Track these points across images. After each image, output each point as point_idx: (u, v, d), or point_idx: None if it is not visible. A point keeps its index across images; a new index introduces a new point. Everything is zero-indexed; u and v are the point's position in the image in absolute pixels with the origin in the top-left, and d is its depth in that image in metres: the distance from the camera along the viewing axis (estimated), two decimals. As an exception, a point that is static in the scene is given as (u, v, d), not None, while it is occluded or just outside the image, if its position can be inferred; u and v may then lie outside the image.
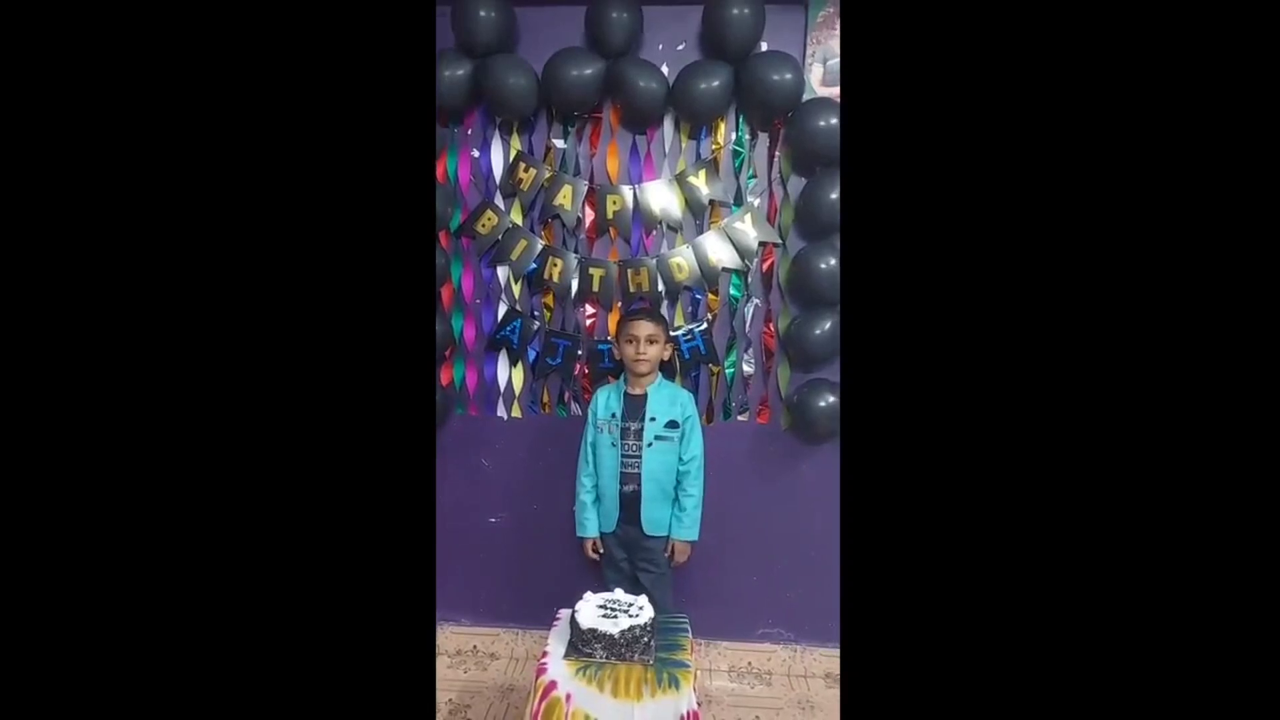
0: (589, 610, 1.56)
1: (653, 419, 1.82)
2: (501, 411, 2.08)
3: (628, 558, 1.87)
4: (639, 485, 1.82)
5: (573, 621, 1.53)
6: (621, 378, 1.90)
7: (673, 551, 1.86)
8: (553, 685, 1.45)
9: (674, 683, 1.43)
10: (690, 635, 1.64)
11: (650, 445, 1.82)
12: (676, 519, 1.85)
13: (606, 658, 1.48)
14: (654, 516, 1.84)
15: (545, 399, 2.07)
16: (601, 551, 1.88)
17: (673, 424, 1.84)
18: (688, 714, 1.42)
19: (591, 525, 1.86)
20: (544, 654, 1.52)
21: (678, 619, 1.68)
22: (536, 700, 1.44)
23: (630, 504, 1.83)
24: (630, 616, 1.54)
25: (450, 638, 2.14)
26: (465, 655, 2.12)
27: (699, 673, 2.04)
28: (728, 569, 2.07)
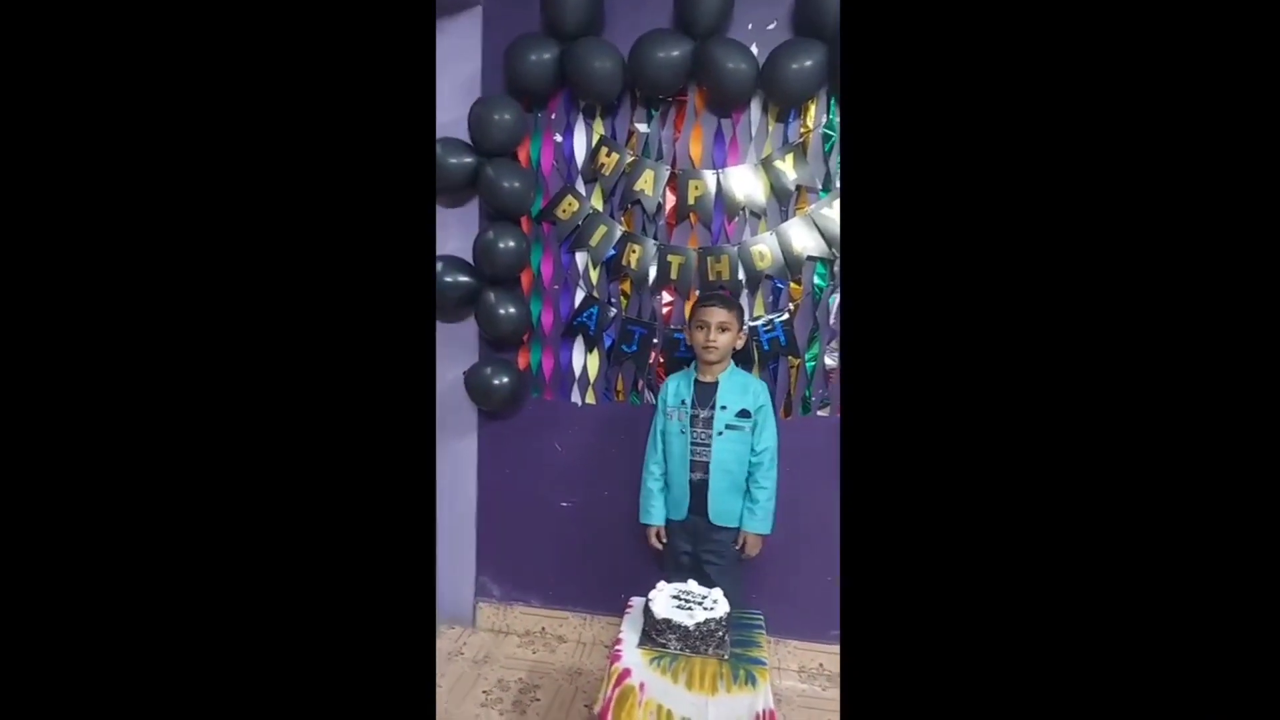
0: (663, 600, 1.54)
1: (723, 407, 1.78)
2: (576, 397, 2.08)
3: (692, 550, 1.84)
4: (707, 474, 1.78)
5: (646, 610, 1.51)
6: (693, 365, 1.87)
7: (744, 544, 1.82)
8: (627, 673, 1.44)
9: (750, 679, 1.40)
10: (765, 632, 1.60)
11: (720, 434, 1.78)
12: (749, 510, 1.80)
13: (681, 649, 1.46)
14: (722, 507, 1.80)
15: (619, 386, 2.06)
16: (665, 541, 1.85)
17: (744, 413, 1.79)
18: (764, 713, 1.38)
19: (657, 513, 1.84)
20: (618, 641, 1.51)
21: (752, 614, 1.64)
22: (610, 687, 1.44)
23: (698, 492, 1.79)
24: (705, 609, 1.52)
25: (520, 618, 2.17)
26: (534, 636, 2.15)
27: (771, 671, 1.99)
28: (801, 567, 2.01)
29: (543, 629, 2.16)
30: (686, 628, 1.46)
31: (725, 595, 1.84)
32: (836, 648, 2.02)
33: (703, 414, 1.79)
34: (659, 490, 1.85)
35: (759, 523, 1.80)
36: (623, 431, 2.05)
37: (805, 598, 2.03)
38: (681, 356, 1.98)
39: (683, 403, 1.81)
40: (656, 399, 1.88)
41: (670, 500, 1.84)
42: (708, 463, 1.78)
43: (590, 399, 2.08)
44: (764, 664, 1.44)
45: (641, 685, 1.43)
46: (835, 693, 1.93)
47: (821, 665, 2.02)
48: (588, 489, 2.11)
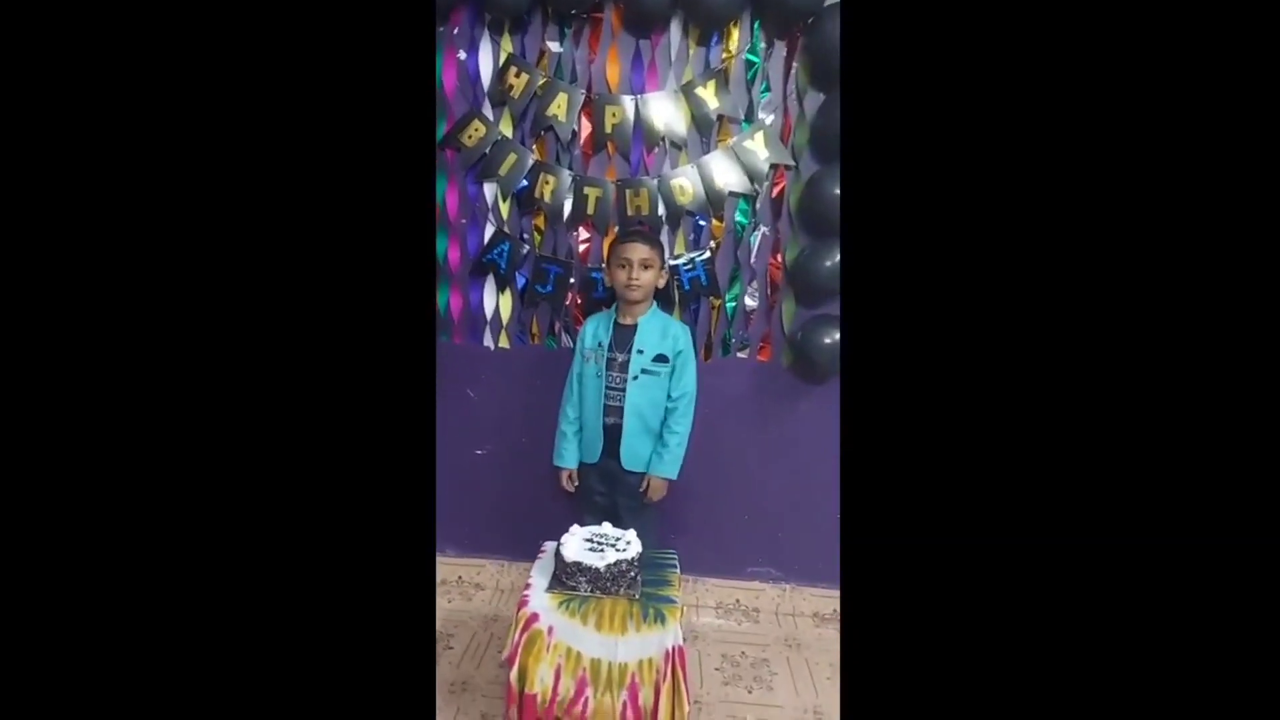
0: (575, 543, 1.50)
1: (640, 351, 1.73)
2: (489, 341, 1.98)
3: (607, 492, 1.81)
4: (621, 418, 1.74)
5: (557, 554, 1.47)
6: (614, 306, 1.79)
7: (648, 487, 1.79)
8: (534, 618, 1.40)
9: (659, 618, 1.39)
10: (679, 571, 1.60)
11: (635, 379, 1.72)
12: (657, 455, 1.76)
13: (591, 591, 1.44)
14: (634, 451, 1.76)
15: (534, 329, 1.97)
16: (577, 484, 1.82)
17: (662, 358, 1.75)
18: (673, 649, 1.38)
19: (569, 456, 1.80)
20: (526, 586, 1.47)
21: (666, 554, 1.63)
22: (518, 632, 1.40)
23: (611, 437, 1.75)
24: (617, 551, 1.49)
25: (436, 568, 2.11)
26: (450, 585, 2.09)
27: (686, 608, 2.02)
28: (719, 507, 2.02)
29: (459, 578, 2.11)
30: (597, 569, 1.43)
31: (640, 537, 1.83)
32: (751, 584, 2.06)
33: (619, 358, 1.73)
34: (573, 434, 1.79)
35: (666, 467, 1.77)
36: (539, 376, 1.97)
37: (723, 537, 2.05)
38: (599, 298, 1.90)
39: (600, 345, 1.74)
40: (575, 342, 1.80)
41: (584, 443, 1.79)
42: (622, 407, 1.73)
43: (504, 342, 1.98)
44: (674, 602, 1.43)
45: (550, 629, 1.40)
46: (750, 626, 1.98)
47: (738, 601, 2.06)
48: (503, 436, 2.03)
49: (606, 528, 1.59)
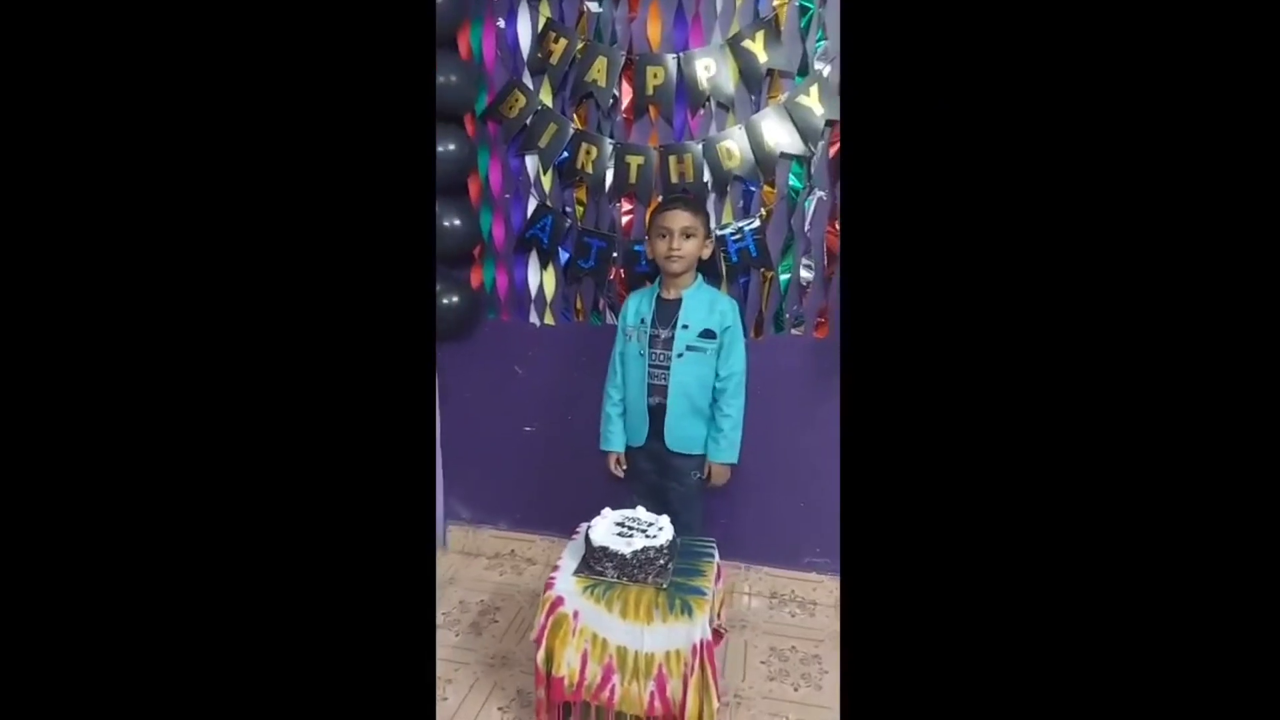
0: (604, 527, 1.46)
1: (685, 326, 1.63)
2: (534, 318, 1.96)
3: (655, 474, 1.75)
4: (665, 398, 1.66)
5: (586, 538, 1.44)
6: (657, 281, 1.71)
7: (709, 474, 1.72)
8: (559, 601, 1.38)
9: (686, 610, 1.32)
10: (716, 560, 1.52)
11: (680, 356, 1.63)
12: (714, 440, 1.69)
13: (617, 577, 1.39)
14: (680, 433, 1.68)
15: (579, 305, 1.92)
16: (625, 467, 1.76)
17: (709, 334, 1.64)
18: (700, 643, 1.31)
19: (615, 439, 1.74)
20: (555, 568, 1.45)
21: (704, 543, 1.56)
22: (543, 615, 1.38)
23: (656, 418, 1.68)
24: (647, 536, 1.43)
25: (489, 541, 2.15)
26: (503, 559, 2.13)
27: (736, 596, 1.94)
28: (773, 493, 1.91)
29: (512, 551, 2.14)
30: (623, 555, 1.38)
31: (686, 523, 1.76)
32: (808, 575, 1.95)
33: (663, 334, 1.65)
34: (618, 415, 1.74)
35: (725, 452, 1.69)
36: (583, 354, 1.93)
37: (778, 524, 1.94)
38: (643, 272, 1.82)
39: (642, 322, 1.67)
40: (618, 319, 1.74)
41: (629, 425, 1.73)
42: (666, 386, 1.65)
43: (549, 319, 1.95)
44: (704, 594, 1.36)
45: (575, 613, 1.37)
46: (804, 619, 1.87)
47: (793, 592, 1.95)
48: (551, 413, 2.02)
49: (640, 512, 1.53)
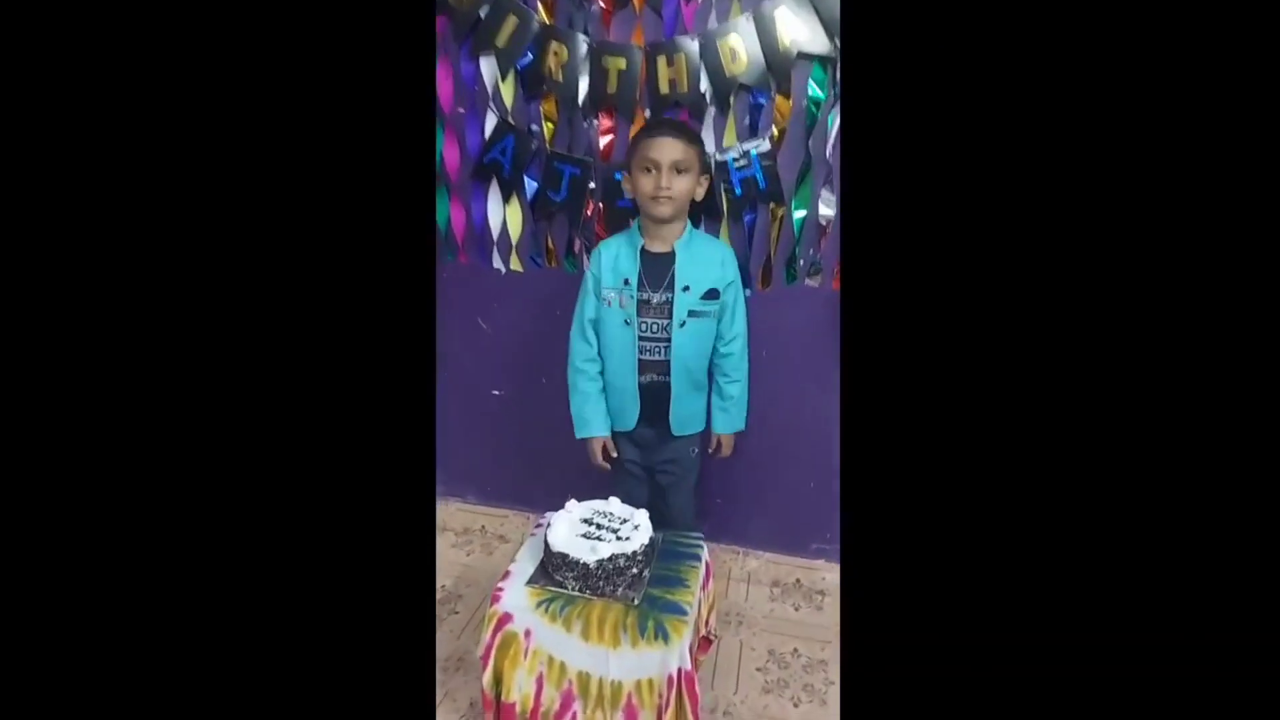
0: (565, 527, 1.19)
1: (686, 288, 1.31)
2: (498, 262, 1.64)
3: (641, 460, 1.47)
4: (664, 376, 1.35)
5: (545, 540, 1.18)
6: (635, 226, 1.37)
7: (718, 446, 1.45)
8: (507, 618, 1.13)
9: (661, 634, 1.07)
10: (704, 560, 1.26)
11: (682, 325, 1.32)
12: (721, 411, 1.42)
13: (579, 590, 1.14)
14: (686, 414, 1.40)
15: (550, 247, 1.60)
16: (615, 454, 1.45)
17: (712, 294, 1.33)
18: (678, 674, 1.07)
19: (597, 422, 1.41)
20: (505, 574, 1.20)
21: (690, 541, 1.29)
22: (489, 632, 1.14)
23: (654, 399, 1.38)
24: (619, 539, 1.17)
25: (456, 515, 1.92)
26: (473, 535, 1.90)
27: (732, 584, 1.70)
28: (780, 470, 1.64)
29: (482, 527, 1.91)
30: (586, 565, 1.12)
31: (676, 508, 1.49)
32: (816, 562, 1.69)
33: (655, 298, 1.33)
34: (598, 393, 1.41)
35: (734, 421, 1.43)
36: (558, 306, 1.61)
37: (783, 506, 1.67)
38: (627, 207, 1.49)
39: (625, 283, 1.34)
40: (586, 273, 1.41)
41: (612, 407, 1.42)
42: (666, 363, 1.35)
43: (515, 265, 1.63)
44: (684, 614, 1.10)
45: (527, 632, 1.13)
46: (809, 613, 1.63)
47: (798, 581, 1.70)
48: (521, 375, 1.74)
49: (613, 504, 1.26)
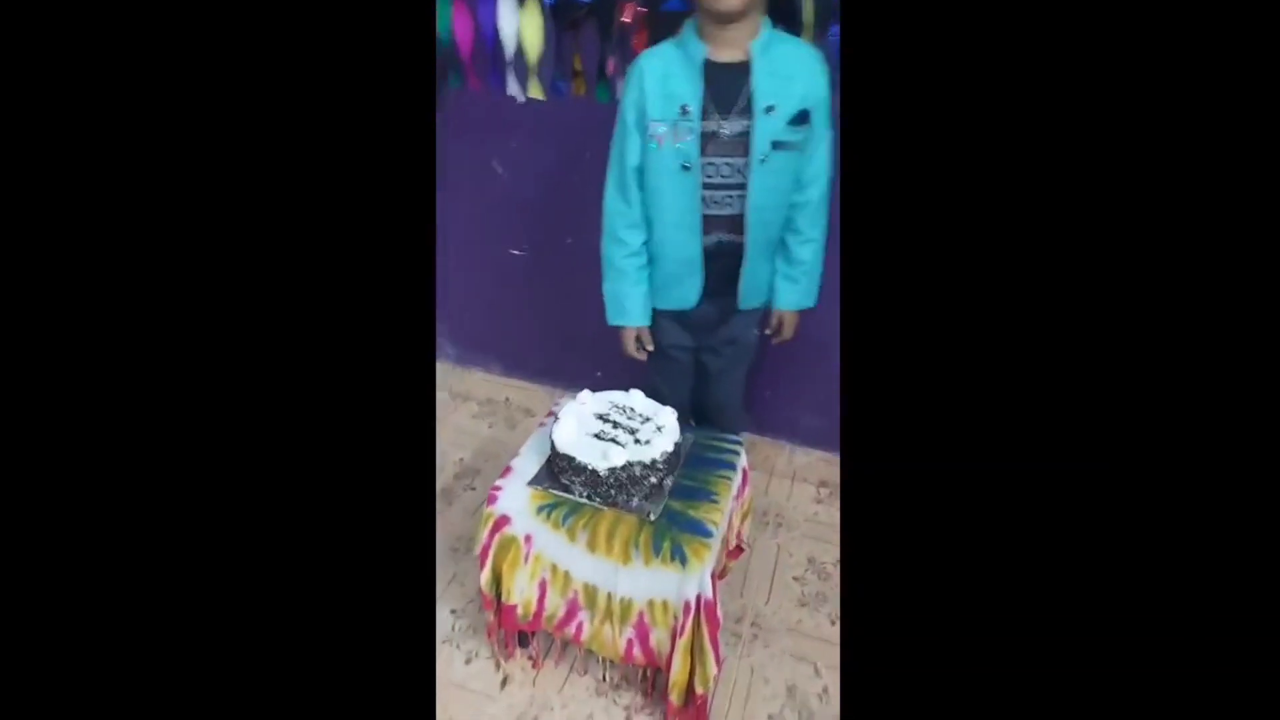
0: (574, 424, 1.00)
1: (769, 109, 0.98)
2: (514, 89, 1.32)
3: (689, 344, 1.21)
4: (739, 234, 1.06)
5: (550, 438, 1.00)
6: (688, 29, 1.01)
7: (779, 325, 1.18)
8: (504, 521, 0.99)
9: (678, 556, 0.90)
10: (738, 472, 1.06)
11: (764, 161, 1.01)
12: (788, 279, 1.12)
13: (587, 497, 0.97)
14: (757, 283, 1.12)
15: (577, 67, 1.26)
16: (652, 348, 1.20)
17: (802, 116, 1.00)
18: (696, 600, 0.91)
19: (635, 309, 1.14)
20: (507, 470, 1.04)
21: (726, 445, 1.09)
22: (486, 532, 1.00)
23: (720, 265, 1.09)
24: (637, 442, 0.97)
25: (480, 384, 1.78)
26: (496, 406, 1.77)
27: (776, 481, 1.53)
28: (835, 353, 1.38)
29: (506, 398, 1.77)
30: (595, 472, 0.93)
31: (721, 403, 1.28)
32: (875, 466, 1.48)
33: (724, 127, 1.01)
34: (638, 270, 1.12)
35: (803, 293, 1.14)
36: (588, 146, 1.31)
37: (837, 395, 1.43)
38: (678, 9, 1.11)
39: (683, 110, 1.01)
40: (623, 100, 1.07)
41: (661, 282, 1.13)
42: (738, 217, 1.05)
43: (535, 92, 1.31)
44: (706, 535, 0.92)
45: (528, 537, 0.98)
46: (860, 520, 1.45)
47: (850, 483, 1.51)
48: (544, 232, 1.48)
49: (635, 398, 1.06)
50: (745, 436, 1.46)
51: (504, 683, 1.09)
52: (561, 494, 0.97)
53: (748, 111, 0.99)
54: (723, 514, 0.97)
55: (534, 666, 1.11)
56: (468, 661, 1.12)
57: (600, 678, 1.09)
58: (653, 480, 0.95)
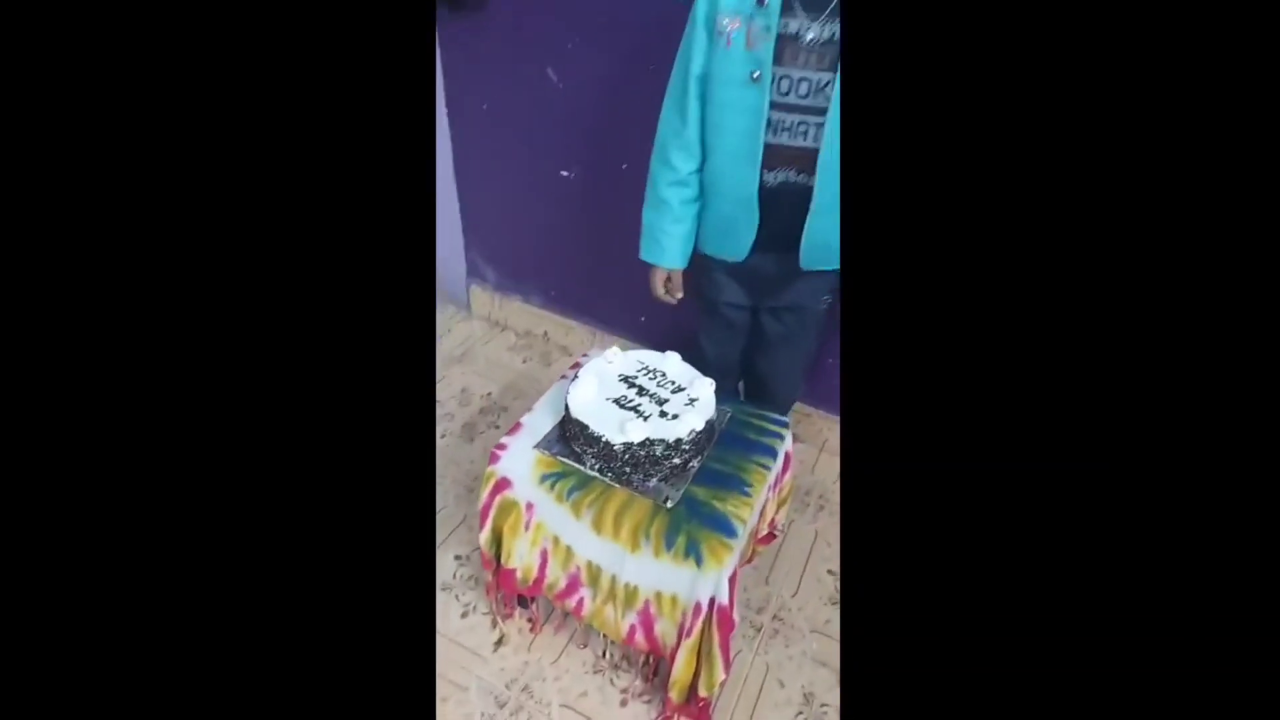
0: (594, 386, 0.88)
1: None
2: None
3: (744, 302, 1.04)
4: (809, 175, 0.87)
5: (565, 400, 0.88)
6: None
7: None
8: (505, 484, 0.89)
9: (693, 554, 0.78)
10: (779, 458, 0.92)
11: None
12: None
13: (599, 471, 0.85)
14: (826, 239, 0.91)
15: (646, -44, 1.05)
16: (681, 294, 1.04)
17: None
18: (709, 604, 0.80)
19: (673, 250, 0.98)
20: (516, 426, 0.93)
21: (770, 425, 0.94)
22: (487, 491, 0.91)
23: (781, 212, 0.90)
24: (663, 415, 0.84)
25: (518, 314, 1.67)
26: (534, 339, 1.67)
27: (825, 457, 1.37)
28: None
29: (545, 333, 1.66)
30: (610, 445, 0.81)
31: (781, 374, 1.12)
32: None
33: (810, 30, 0.80)
34: (681, 204, 0.95)
35: None
36: (652, 55, 1.11)
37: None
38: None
39: (760, 4, 0.81)
40: None
41: (712, 224, 0.96)
42: (811, 152, 0.85)
43: (598, -20, 1.11)
44: (731, 534, 0.80)
45: (529, 505, 0.89)
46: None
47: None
48: (600, 152, 1.31)
49: (671, 362, 0.92)
50: (796, 407, 1.31)
51: (498, 643, 1.03)
52: (571, 463, 0.86)
53: (831, 15, 0.77)
54: (753, 509, 0.84)
55: (532, 630, 1.04)
56: (464, 615, 1.07)
57: (600, 653, 1.02)
58: (675, 461, 0.82)
